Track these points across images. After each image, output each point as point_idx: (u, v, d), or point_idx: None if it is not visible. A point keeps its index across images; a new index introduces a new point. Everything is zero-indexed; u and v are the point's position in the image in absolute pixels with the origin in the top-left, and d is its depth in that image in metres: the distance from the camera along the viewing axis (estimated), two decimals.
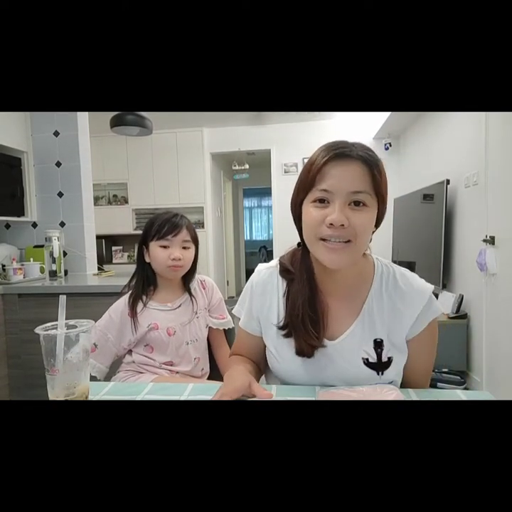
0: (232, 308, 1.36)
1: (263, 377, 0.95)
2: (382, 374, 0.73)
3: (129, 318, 1.13)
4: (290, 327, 0.76)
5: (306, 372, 0.76)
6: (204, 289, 1.24)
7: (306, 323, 0.73)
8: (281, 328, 0.77)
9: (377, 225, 0.73)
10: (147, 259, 1.15)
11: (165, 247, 1.11)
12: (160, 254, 1.11)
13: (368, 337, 0.75)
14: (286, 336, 0.76)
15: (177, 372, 1.14)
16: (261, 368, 0.88)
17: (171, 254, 1.10)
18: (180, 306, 1.17)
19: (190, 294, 1.19)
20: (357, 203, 0.67)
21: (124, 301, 1.17)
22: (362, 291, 0.77)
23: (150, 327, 1.12)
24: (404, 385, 0.80)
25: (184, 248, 1.13)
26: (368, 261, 0.79)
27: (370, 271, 0.78)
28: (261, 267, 0.85)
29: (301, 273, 0.77)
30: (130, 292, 1.17)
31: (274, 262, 0.84)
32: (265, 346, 0.83)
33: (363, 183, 0.67)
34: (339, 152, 0.67)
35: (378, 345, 0.74)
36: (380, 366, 0.73)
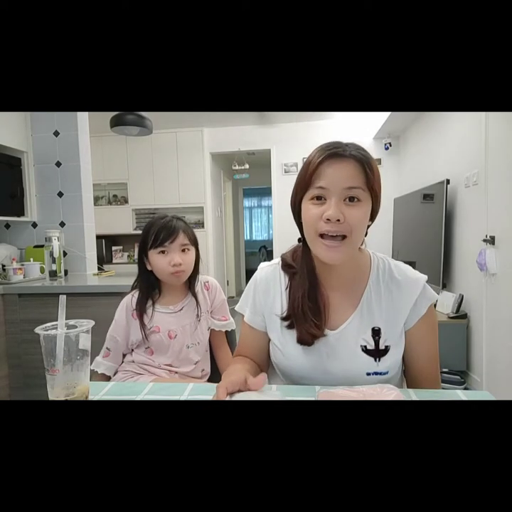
0: (232, 308, 1.36)
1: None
2: (379, 361, 0.77)
3: (134, 319, 1.13)
4: (292, 317, 0.80)
5: (308, 362, 0.79)
6: (207, 290, 1.22)
7: (307, 313, 0.78)
8: (284, 318, 0.82)
9: (372, 219, 0.78)
10: (148, 267, 1.13)
11: (164, 253, 1.09)
12: (160, 262, 1.09)
13: (367, 326, 0.79)
14: (289, 327, 0.81)
15: (176, 373, 1.14)
16: (263, 368, 0.89)
17: (171, 261, 1.08)
18: (182, 308, 1.16)
19: (195, 297, 1.18)
20: (351, 199, 0.71)
21: (125, 303, 1.16)
22: (360, 283, 0.81)
23: (151, 330, 1.12)
24: (413, 374, 0.83)
25: (183, 251, 1.11)
26: (365, 255, 0.84)
27: (366, 264, 0.83)
28: (263, 265, 0.90)
29: (301, 267, 0.82)
30: (134, 295, 1.16)
31: (276, 260, 0.89)
32: (269, 343, 0.87)
33: (356, 179, 0.71)
34: (333, 152, 0.72)
35: (376, 333, 0.78)
36: (377, 353, 0.78)
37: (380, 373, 0.77)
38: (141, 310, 1.13)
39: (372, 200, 0.74)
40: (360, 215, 0.72)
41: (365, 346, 0.78)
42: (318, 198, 0.73)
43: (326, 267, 0.80)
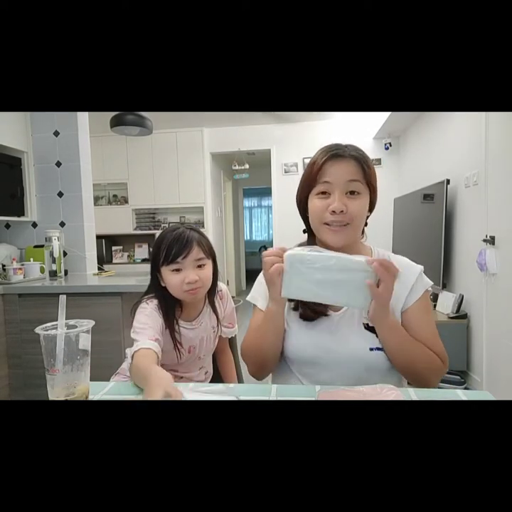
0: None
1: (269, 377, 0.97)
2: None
3: (165, 328, 1.03)
4: (296, 299, 0.87)
5: (312, 341, 0.87)
6: (221, 299, 1.17)
7: None
8: (290, 300, 0.90)
9: (371, 210, 0.89)
10: (163, 284, 1.02)
11: (177, 270, 0.98)
12: (173, 280, 0.99)
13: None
14: (295, 308, 0.90)
15: (181, 378, 1.13)
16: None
17: (185, 278, 0.97)
18: (201, 323, 1.10)
19: (215, 312, 1.11)
20: (352, 192, 0.82)
21: (154, 309, 1.03)
22: None
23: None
24: None
25: (199, 267, 1.00)
26: (366, 247, 0.95)
27: (368, 254, 0.92)
28: None
29: None
30: (158, 306, 1.05)
31: None
32: None
33: (356, 175, 0.82)
34: (335, 153, 0.83)
35: None
36: None
37: (383, 349, 0.83)
38: (170, 327, 1.03)
39: (370, 192, 0.85)
40: (360, 205, 0.83)
41: (367, 324, 0.85)
42: (323, 192, 0.83)
43: None
